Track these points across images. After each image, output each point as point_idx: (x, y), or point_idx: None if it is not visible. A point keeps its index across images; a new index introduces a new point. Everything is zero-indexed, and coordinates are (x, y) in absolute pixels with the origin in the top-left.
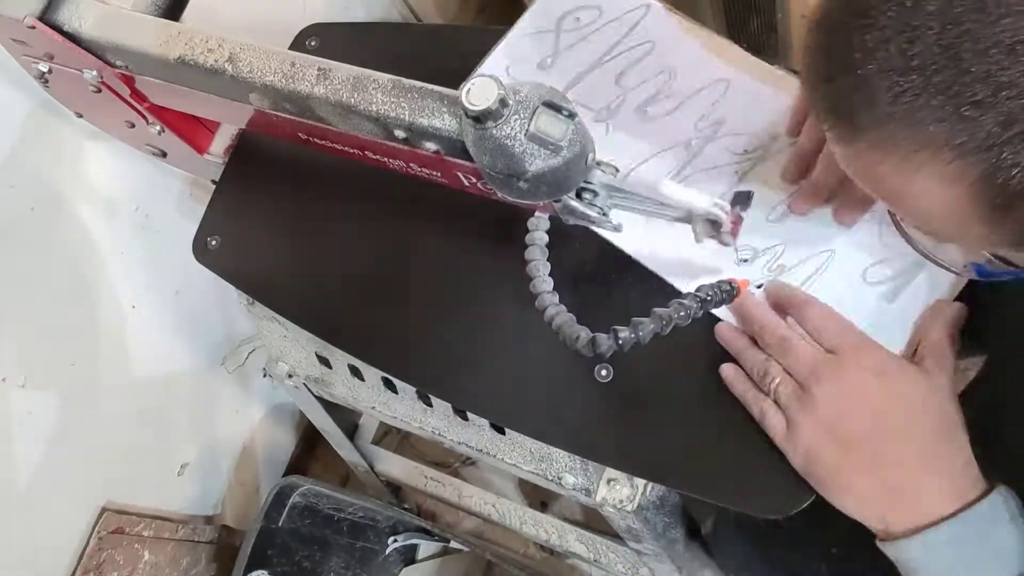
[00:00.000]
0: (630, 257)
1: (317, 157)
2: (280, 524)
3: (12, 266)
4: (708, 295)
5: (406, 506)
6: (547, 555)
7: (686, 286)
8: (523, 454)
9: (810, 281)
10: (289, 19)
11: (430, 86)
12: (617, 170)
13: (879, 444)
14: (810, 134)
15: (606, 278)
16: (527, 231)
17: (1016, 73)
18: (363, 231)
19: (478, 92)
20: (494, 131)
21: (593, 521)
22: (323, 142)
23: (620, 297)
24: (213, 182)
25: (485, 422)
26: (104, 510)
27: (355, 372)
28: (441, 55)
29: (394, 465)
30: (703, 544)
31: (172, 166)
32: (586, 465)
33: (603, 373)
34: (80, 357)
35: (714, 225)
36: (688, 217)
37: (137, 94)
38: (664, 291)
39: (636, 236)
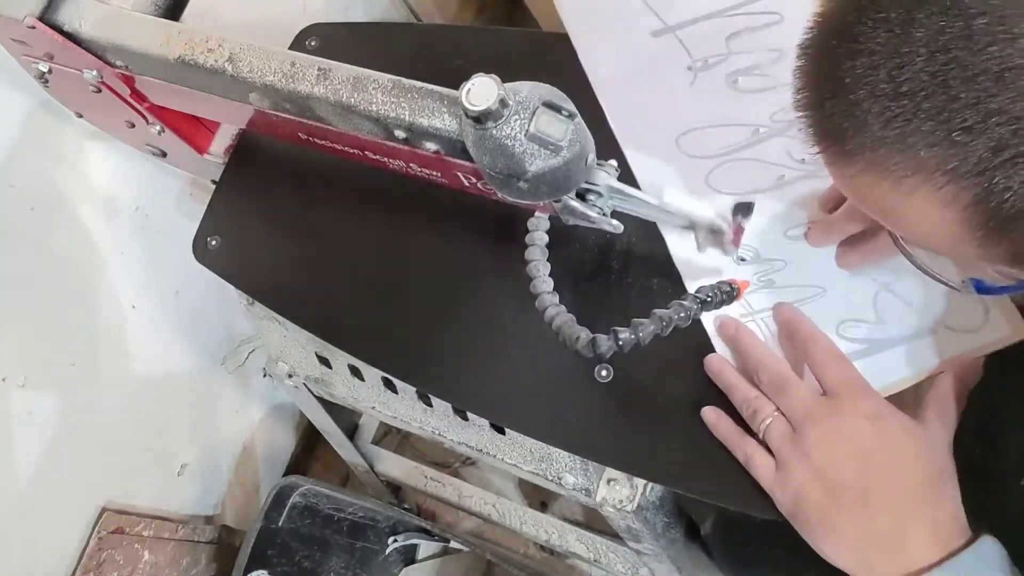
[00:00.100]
0: (630, 257)
1: (317, 157)
2: (280, 524)
3: (12, 266)
4: (708, 296)
5: (406, 506)
6: (547, 555)
7: (687, 286)
8: (523, 454)
9: None
10: (289, 19)
11: (430, 86)
12: (618, 170)
13: (868, 489)
14: None
15: (606, 278)
16: (527, 231)
17: (1005, 100)
18: (363, 231)
19: (478, 92)
20: (494, 131)
21: (593, 521)
22: (323, 142)
23: (620, 297)
24: (213, 182)
25: (485, 422)
26: (104, 510)
27: (355, 372)
28: (441, 55)
29: (394, 465)
30: (703, 544)
31: (172, 166)
32: (586, 465)
33: (603, 373)
34: (80, 357)
35: (716, 235)
36: (691, 225)
37: (137, 94)
38: (664, 292)
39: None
